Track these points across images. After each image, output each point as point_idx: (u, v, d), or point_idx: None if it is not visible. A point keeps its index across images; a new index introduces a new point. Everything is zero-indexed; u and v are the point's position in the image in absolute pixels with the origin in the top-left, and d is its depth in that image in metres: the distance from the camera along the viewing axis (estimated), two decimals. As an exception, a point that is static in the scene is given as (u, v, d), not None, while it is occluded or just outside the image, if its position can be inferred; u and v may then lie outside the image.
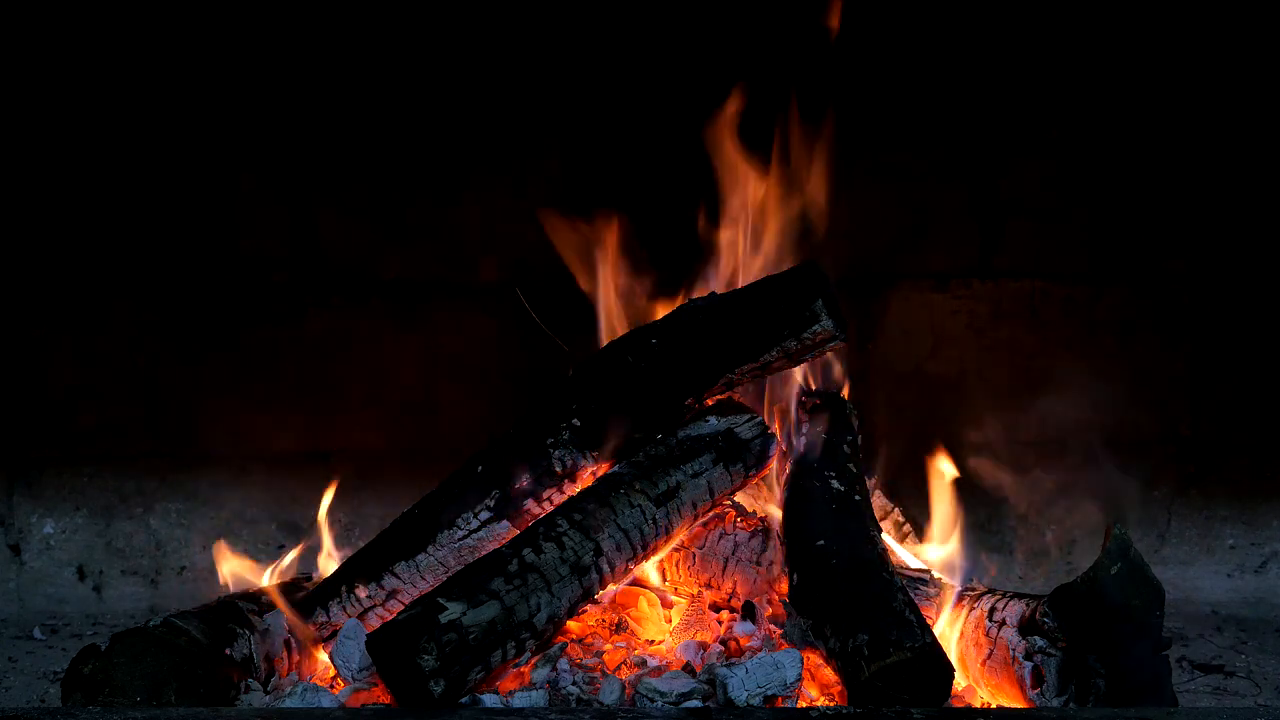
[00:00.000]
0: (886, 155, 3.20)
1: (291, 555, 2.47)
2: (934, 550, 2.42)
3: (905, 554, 2.41)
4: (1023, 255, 3.25)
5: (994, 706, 2.03)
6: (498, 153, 3.18)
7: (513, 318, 3.22)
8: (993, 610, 2.09)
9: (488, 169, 3.19)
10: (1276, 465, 3.28)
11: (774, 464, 2.36)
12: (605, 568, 2.10)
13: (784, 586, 2.20)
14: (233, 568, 2.37)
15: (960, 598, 2.18)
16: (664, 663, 2.12)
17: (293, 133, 3.18)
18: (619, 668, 2.11)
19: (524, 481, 2.27)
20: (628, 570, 2.18)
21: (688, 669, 2.06)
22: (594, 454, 2.29)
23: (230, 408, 3.22)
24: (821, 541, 2.11)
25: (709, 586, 2.34)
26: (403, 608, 2.06)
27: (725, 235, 2.57)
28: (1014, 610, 2.05)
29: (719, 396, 2.35)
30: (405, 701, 1.91)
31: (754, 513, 2.40)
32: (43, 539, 3.23)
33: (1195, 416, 3.28)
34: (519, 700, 1.95)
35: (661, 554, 2.31)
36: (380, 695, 2.03)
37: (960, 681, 2.09)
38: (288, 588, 2.33)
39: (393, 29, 3.15)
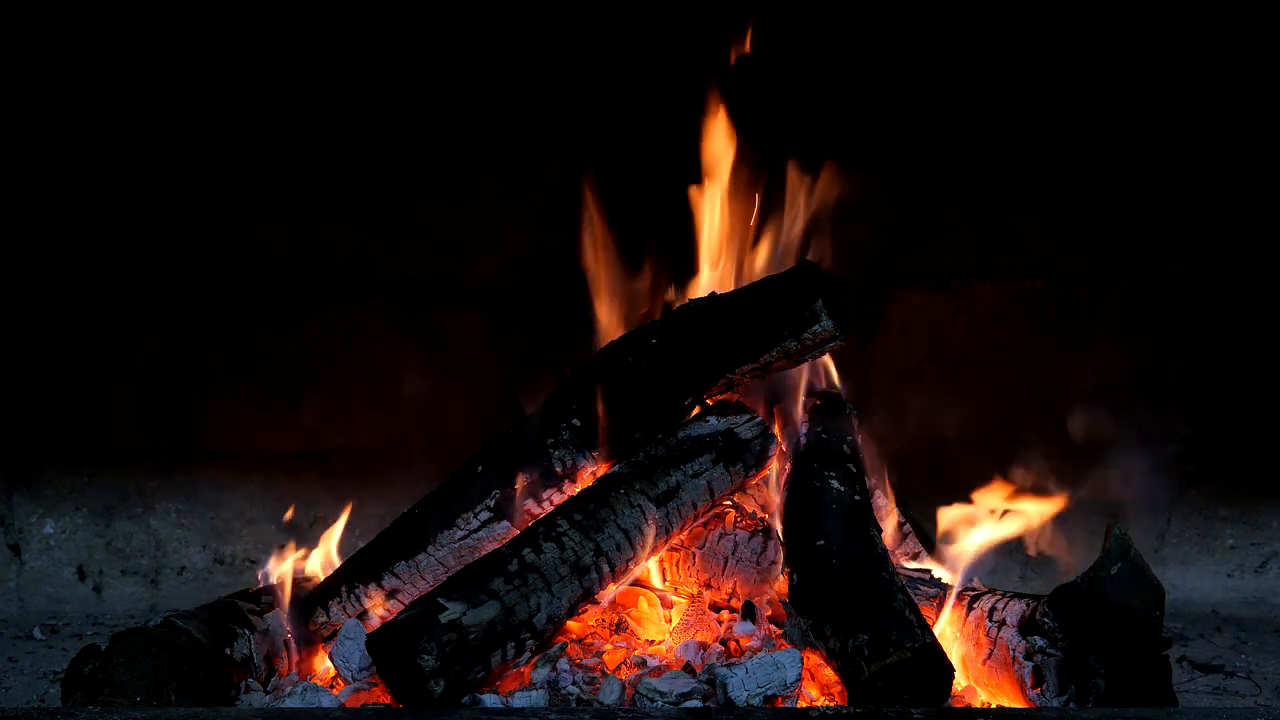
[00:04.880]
0: (887, 155, 3.19)
1: (294, 556, 2.47)
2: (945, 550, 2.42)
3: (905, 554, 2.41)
4: (1023, 255, 3.25)
5: (994, 706, 2.03)
6: (498, 155, 3.18)
7: (512, 317, 3.23)
8: (993, 610, 2.09)
9: (488, 171, 3.19)
10: (1276, 465, 3.28)
11: (774, 464, 2.36)
12: (605, 568, 2.10)
13: (784, 586, 2.20)
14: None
15: (960, 598, 2.18)
16: (664, 663, 2.12)
17: (294, 134, 3.18)
18: (619, 668, 2.11)
19: (524, 481, 2.27)
20: (628, 570, 2.18)
21: (688, 669, 2.06)
22: (594, 454, 2.29)
23: (230, 408, 3.22)
24: (821, 541, 2.11)
25: (709, 586, 2.34)
26: (403, 608, 2.05)
27: (724, 238, 2.57)
28: (1014, 610, 2.05)
29: (719, 396, 2.35)
30: (405, 701, 1.91)
31: (754, 513, 2.39)
32: (43, 539, 3.23)
33: (1195, 416, 3.28)
34: (519, 700, 1.94)
35: (661, 554, 2.31)
36: (380, 695, 2.03)
37: (960, 681, 2.09)
38: (288, 587, 2.33)
39: (395, 34, 3.15)
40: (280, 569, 2.32)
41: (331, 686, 2.14)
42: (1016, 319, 3.27)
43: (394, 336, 3.23)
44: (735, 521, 2.34)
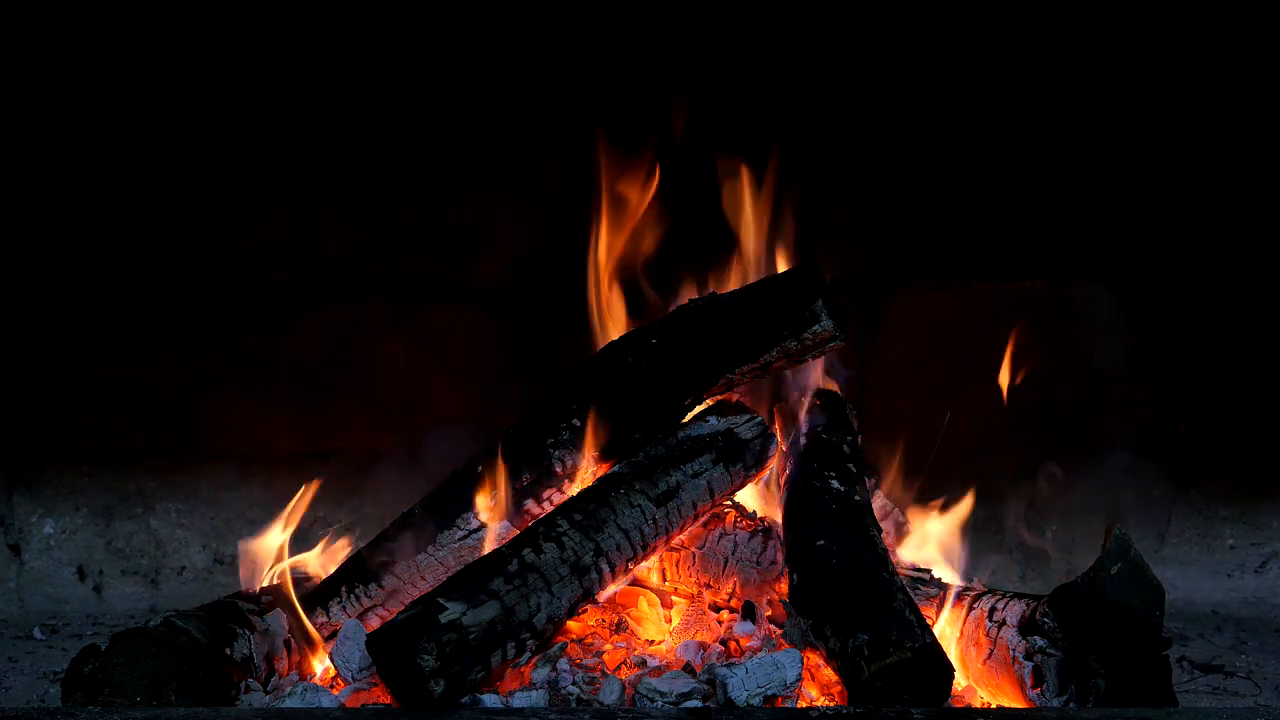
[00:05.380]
0: (886, 154, 3.19)
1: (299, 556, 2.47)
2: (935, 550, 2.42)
3: (909, 553, 2.42)
4: (1023, 255, 3.25)
5: (994, 706, 2.03)
6: (498, 153, 3.18)
7: (512, 317, 3.23)
8: (993, 610, 2.09)
9: (488, 169, 3.19)
10: (1276, 465, 3.28)
11: (774, 464, 2.36)
12: (605, 568, 2.10)
13: (784, 586, 2.20)
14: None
15: (960, 597, 2.18)
16: (664, 663, 2.12)
17: (292, 133, 3.17)
18: (619, 668, 2.11)
19: (524, 481, 2.27)
20: (628, 570, 2.18)
21: (688, 669, 2.06)
22: (594, 454, 2.29)
23: (230, 408, 3.22)
24: (821, 541, 2.11)
25: (709, 586, 2.34)
26: (403, 608, 2.06)
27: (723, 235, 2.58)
28: (1014, 610, 2.05)
29: (719, 396, 2.35)
30: (405, 701, 1.91)
31: (754, 513, 2.39)
32: (43, 539, 3.23)
33: (1195, 416, 3.28)
34: (519, 700, 1.95)
35: (661, 554, 2.31)
36: (380, 695, 2.03)
37: (960, 681, 2.09)
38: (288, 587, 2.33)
39: (393, 28, 3.15)
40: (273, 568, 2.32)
41: (331, 686, 2.14)
42: (1016, 319, 3.27)
43: (394, 336, 3.23)
44: (735, 521, 2.34)
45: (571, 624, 2.17)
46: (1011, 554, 3.29)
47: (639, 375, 2.28)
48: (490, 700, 1.94)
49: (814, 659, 2.03)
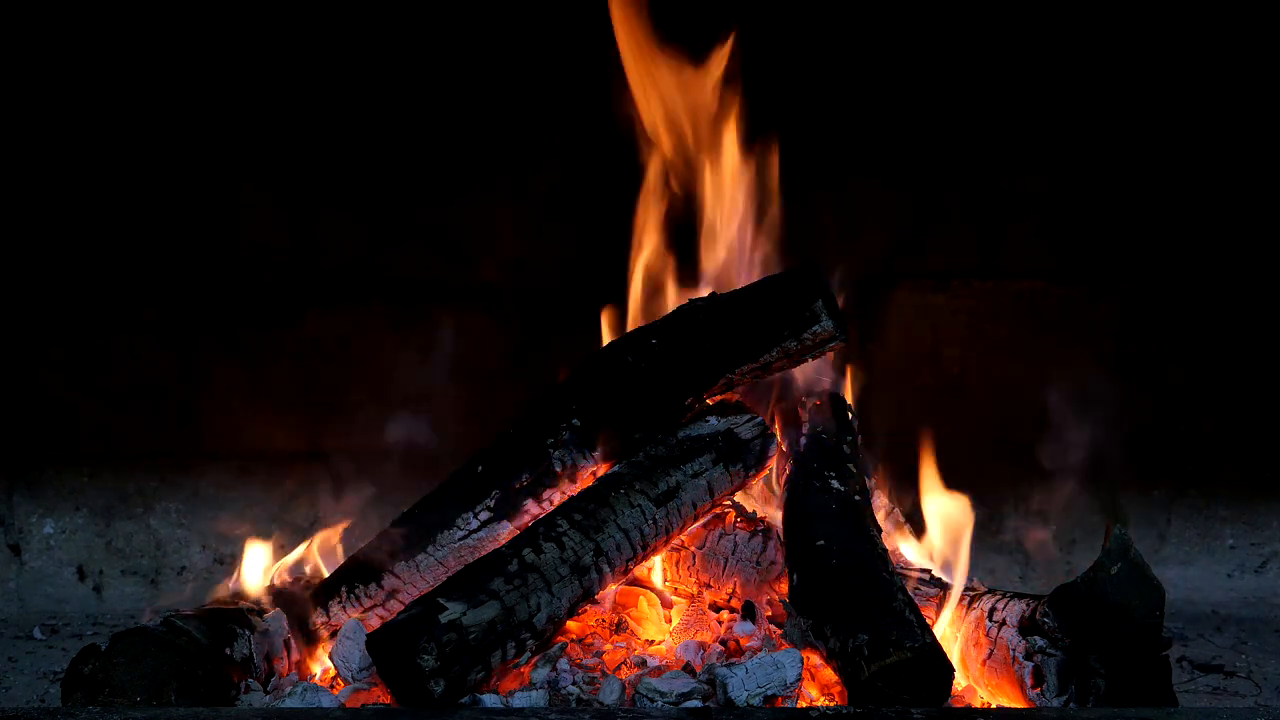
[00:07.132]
0: (887, 155, 3.20)
1: (294, 555, 2.47)
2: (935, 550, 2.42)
3: (909, 553, 2.41)
4: (1023, 255, 3.26)
5: (994, 706, 2.03)
6: (498, 153, 3.19)
7: (512, 317, 3.23)
8: (993, 610, 2.09)
9: (488, 169, 3.19)
10: (1276, 465, 3.28)
11: (774, 464, 2.36)
12: (605, 568, 2.10)
13: (784, 586, 2.20)
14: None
15: (960, 598, 2.18)
16: (664, 663, 2.12)
17: (294, 134, 3.18)
18: (619, 668, 2.11)
19: (524, 481, 2.26)
20: (628, 570, 2.18)
21: (688, 669, 2.06)
22: (594, 454, 2.29)
23: (230, 408, 3.22)
24: (821, 541, 2.11)
25: (709, 586, 2.34)
26: (403, 608, 2.06)
27: (721, 237, 2.57)
28: (1014, 610, 2.05)
29: (719, 396, 2.35)
30: (405, 701, 1.91)
31: (754, 513, 2.39)
32: (43, 539, 3.23)
33: (1195, 416, 3.29)
34: (519, 700, 1.95)
35: (661, 554, 2.31)
36: (380, 695, 2.03)
37: (960, 681, 2.09)
38: (288, 587, 2.33)
39: (394, 32, 3.15)
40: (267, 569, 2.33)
41: (331, 686, 2.14)
42: (1016, 319, 3.27)
43: (394, 336, 3.23)
44: (735, 521, 2.34)
45: (571, 624, 2.17)
46: (1011, 554, 3.29)
47: (639, 375, 2.28)
48: (490, 700, 1.94)
49: (814, 659, 2.03)
